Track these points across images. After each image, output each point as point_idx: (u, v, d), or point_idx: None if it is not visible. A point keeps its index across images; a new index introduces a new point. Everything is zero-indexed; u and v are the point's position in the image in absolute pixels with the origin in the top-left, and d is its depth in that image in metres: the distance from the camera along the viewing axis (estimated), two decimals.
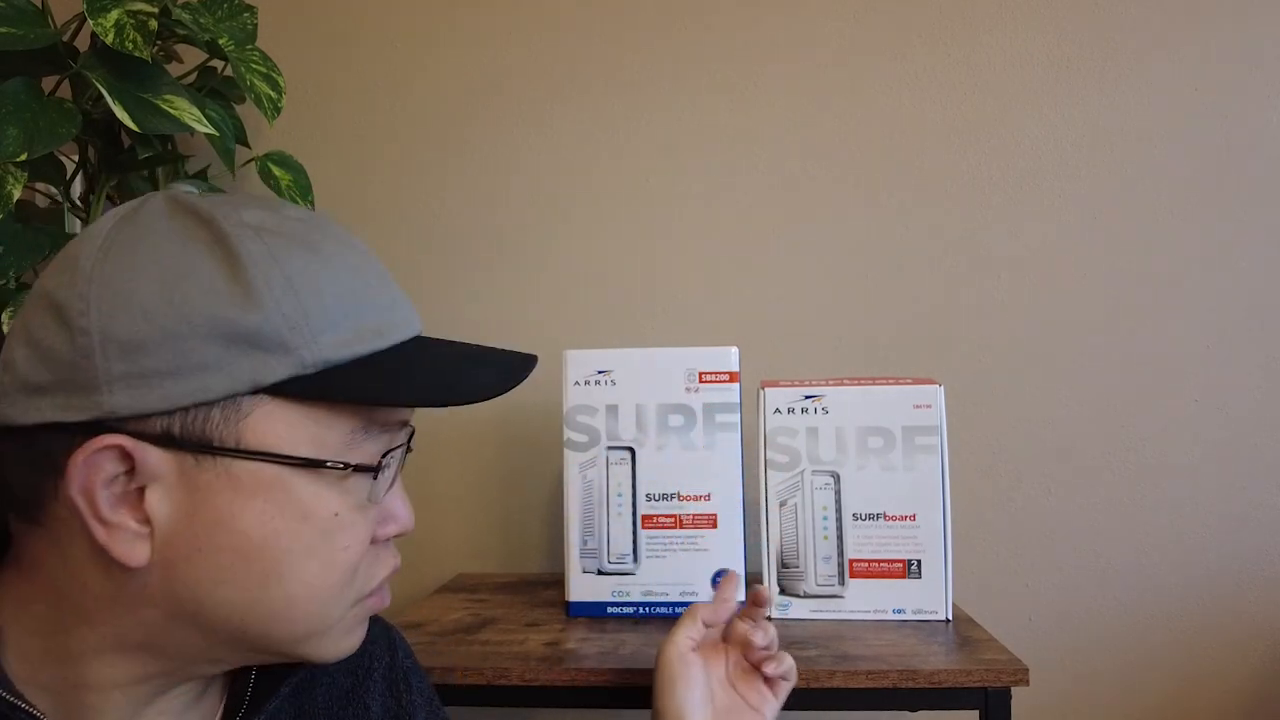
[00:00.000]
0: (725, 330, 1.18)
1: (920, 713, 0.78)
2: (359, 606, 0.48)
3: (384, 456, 0.46)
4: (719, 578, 0.90)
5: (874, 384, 0.91)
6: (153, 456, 0.40)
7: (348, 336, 0.43)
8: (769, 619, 0.89)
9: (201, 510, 0.41)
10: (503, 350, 0.51)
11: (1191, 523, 1.13)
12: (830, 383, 0.91)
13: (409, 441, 0.50)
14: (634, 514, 0.91)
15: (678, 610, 0.72)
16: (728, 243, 1.19)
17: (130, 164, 0.99)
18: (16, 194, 0.84)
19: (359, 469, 0.44)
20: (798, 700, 0.75)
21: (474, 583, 1.11)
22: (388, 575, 0.49)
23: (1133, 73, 1.14)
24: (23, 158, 0.81)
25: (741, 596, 0.89)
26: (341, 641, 0.48)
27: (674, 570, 0.91)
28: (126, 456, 0.40)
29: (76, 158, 1.01)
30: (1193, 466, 1.13)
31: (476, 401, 0.47)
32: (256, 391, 0.41)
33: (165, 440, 0.40)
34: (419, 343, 0.47)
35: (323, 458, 0.43)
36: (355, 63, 1.24)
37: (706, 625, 0.70)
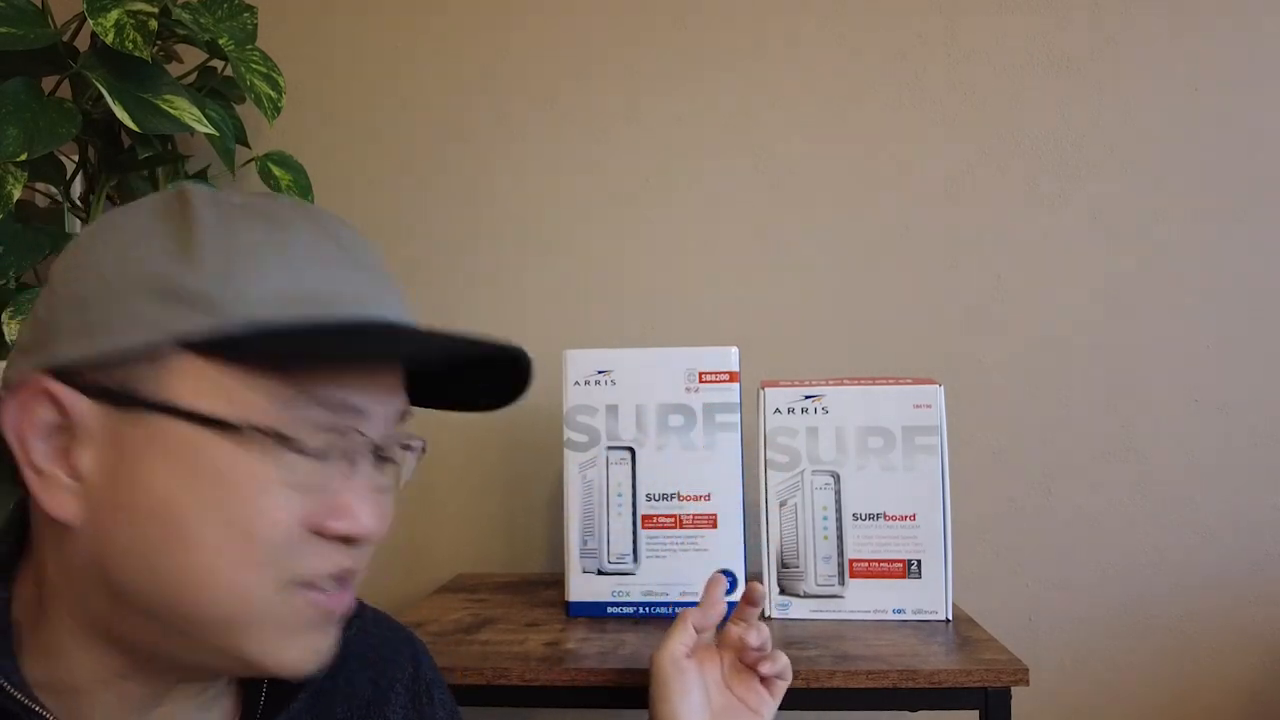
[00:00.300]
0: (725, 330, 1.18)
1: (920, 713, 0.78)
2: (295, 598, 0.43)
3: (315, 429, 0.43)
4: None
5: (874, 384, 0.91)
6: (81, 406, 0.40)
7: (280, 299, 0.41)
8: (765, 618, 0.89)
9: (122, 466, 0.41)
10: (473, 338, 0.47)
11: (1191, 523, 1.13)
12: (830, 383, 0.91)
13: (389, 443, 0.47)
14: (634, 514, 0.91)
15: (678, 610, 0.72)
16: (728, 243, 1.19)
17: (130, 164, 0.99)
18: (16, 194, 0.84)
19: (264, 432, 0.41)
20: (798, 700, 0.75)
21: (474, 583, 1.11)
22: (332, 572, 0.44)
23: (1133, 73, 1.14)
24: (23, 158, 0.81)
25: (735, 597, 0.90)
26: (282, 643, 0.43)
27: (674, 570, 0.91)
28: (59, 406, 0.40)
29: (76, 158, 1.01)
30: (1192, 466, 1.13)
31: (373, 357, 0.44)
32: (181, 347, 0.40)
33: (94, 391, 0.40)
34: (374, 324, 0.45)
35: (247, 421, 0.41)
36: (355, 63, 1.24)
37: (698, 630, 0.70)
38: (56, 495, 0.41)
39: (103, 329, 0.40)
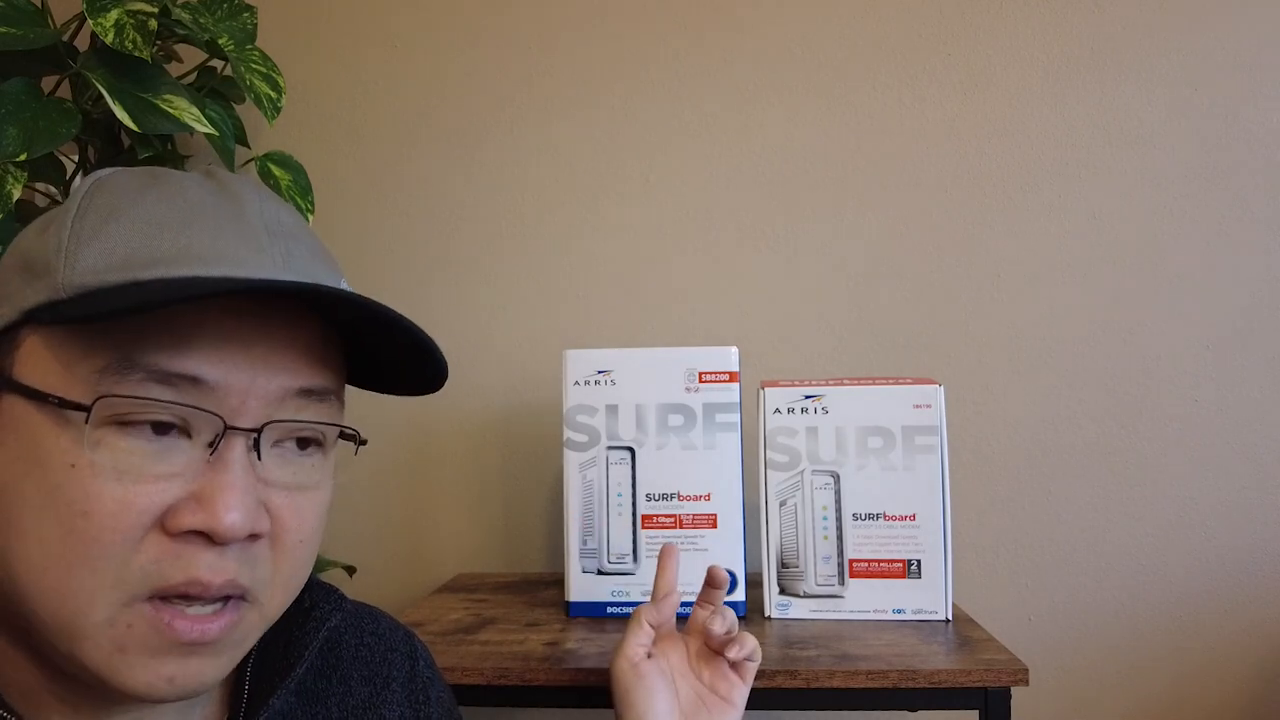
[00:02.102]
0: (725, 330, 1.18)
1: (920, 713, 0.78)
2: (136, 614, 0.38)
3: (124, 400, 0.37)
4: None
5: (874, 384, 0.91)
6: None
7: (113, 263, 0.38)
8: (765, 618, 0.89)
9: None
10: (306, 285, 0.40)
11: (1191, 522, 1.13)
12: (830, 383, 0.91)
13: (265, 427, 0.40)
14: (634, 514, 0.91)
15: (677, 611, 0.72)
16: (728, 242, 1.19)
17: (130, 164, 0.99)
18: (16, 194, 0.84)
19: (66, 404, 0.37)
20: (798, 700, 0.75)
21: (474, 583, 1.11)
22: (181, 580, 0.38)
23: (1133, 73, 1.14)
24: (23, 157, 0.81)
25: (735, 596, 0.90)
26: (117, 660, 0.37)
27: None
28: None
29: (76, 158, 1.01)
30: (1192, 466, 1.13)
31: (133, 308, 0.36)
32: (26, 320, 0.38)
33: None
34: (214, 281, 0.38)
35: (55, 393, 0.37)
36: (355, 63, 1.24)
37: (653, 626, 0.67)
38: None
39: None
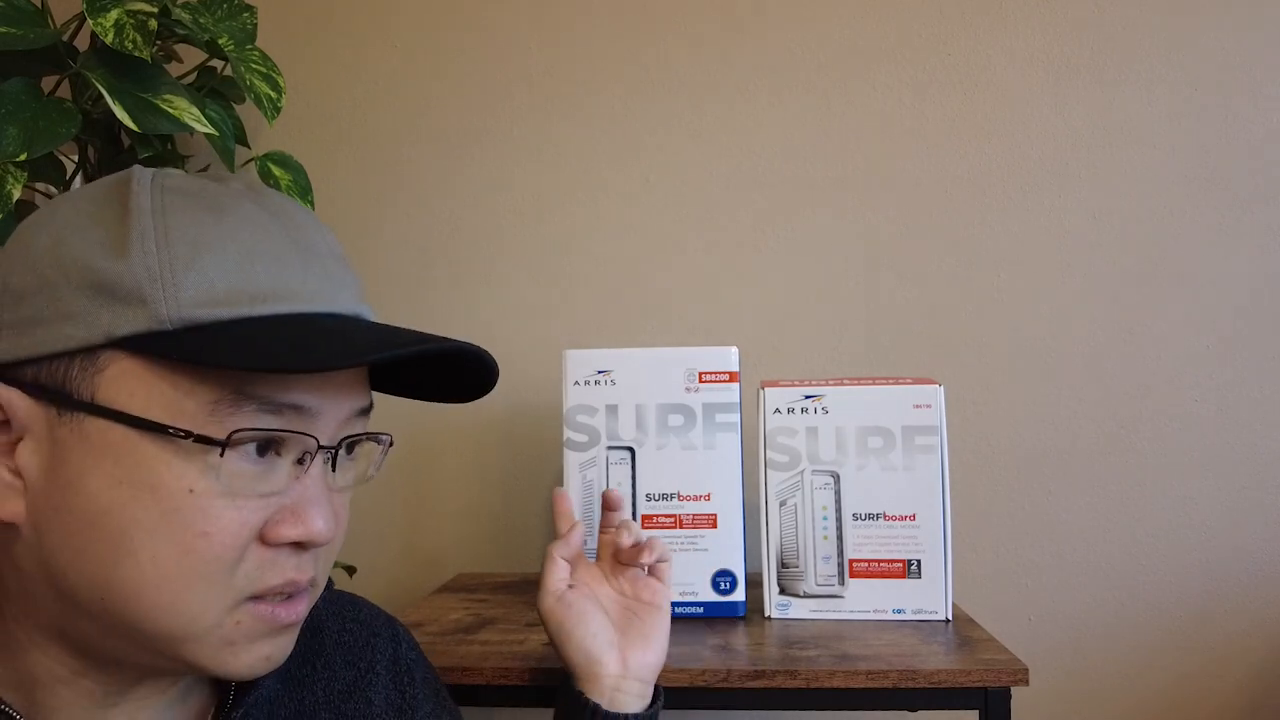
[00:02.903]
0: (725, 330, 1.18)
1: (920, 713, 0.78)
2: (243, 613, 0.42)
3: (251, 433, 0.40)
4: (720, 578, 0.90)
5: (874, 384, 0.91)
6: (21, 405, 0.39)
7: (217, 297, 0.39)
8: (765, 618, 0.89)
9: (60, 468, 0.39)
10: (427, 335, 0.44)
11: (1191, 523, 1.13)
12: (830, 383, 0.91)
13: (341, 443, 0.45)
14: (634, 514, 0.91)
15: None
16: (727, 242, 1.19)
17: (130, 164, 0.99)
18: (16, 194, 0.84)
19: (201, 439, 0.39)
20: (798, 700, 0.75)
21: (474, 583, 1.11)
22: (282, 583, 0.42)
23: (1133, 73, 1.14)
24: (23, 158, 0.81)
25: (735, 596, 0.90)
26: (231, 654, 0.42)
27: (673, 570, 0.91)
28: None
29: (76, 158, 1.01)
30: (1193, 466, 1.13)
31: (308, 370, 0.40)
32: (113, 345, 0.39)
33: (34, 389, 0.39)
34: (316, 317, 0.42)
35: (176, 425, 0.39)
36: (355, 63, 1.24)
37: (566, 560, 0.71)
38: (0, 493, 0.40)
39: (38, 325, 0.39)
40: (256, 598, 0.42)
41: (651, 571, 0.72)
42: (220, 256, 0.40)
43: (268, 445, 0.41)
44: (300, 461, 0.43)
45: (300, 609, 0.44)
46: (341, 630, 0.57)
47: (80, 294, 0.39)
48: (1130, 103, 1.14)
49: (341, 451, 0.45)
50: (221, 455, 0.39)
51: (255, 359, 0.38)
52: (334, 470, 0.45)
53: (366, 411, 0.47)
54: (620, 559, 0.72)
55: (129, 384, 0.39)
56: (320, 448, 0.43)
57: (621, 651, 0.67)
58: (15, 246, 0.42)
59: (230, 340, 0.39)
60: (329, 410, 0.43)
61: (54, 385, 0.39)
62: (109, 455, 0.39)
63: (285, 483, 0.42)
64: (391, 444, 0.50)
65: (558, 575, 0.69)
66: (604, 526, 0.74)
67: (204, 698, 0.50)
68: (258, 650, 0.43)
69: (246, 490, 0.41)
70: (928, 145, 1.17)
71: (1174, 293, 1.14)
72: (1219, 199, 1.13)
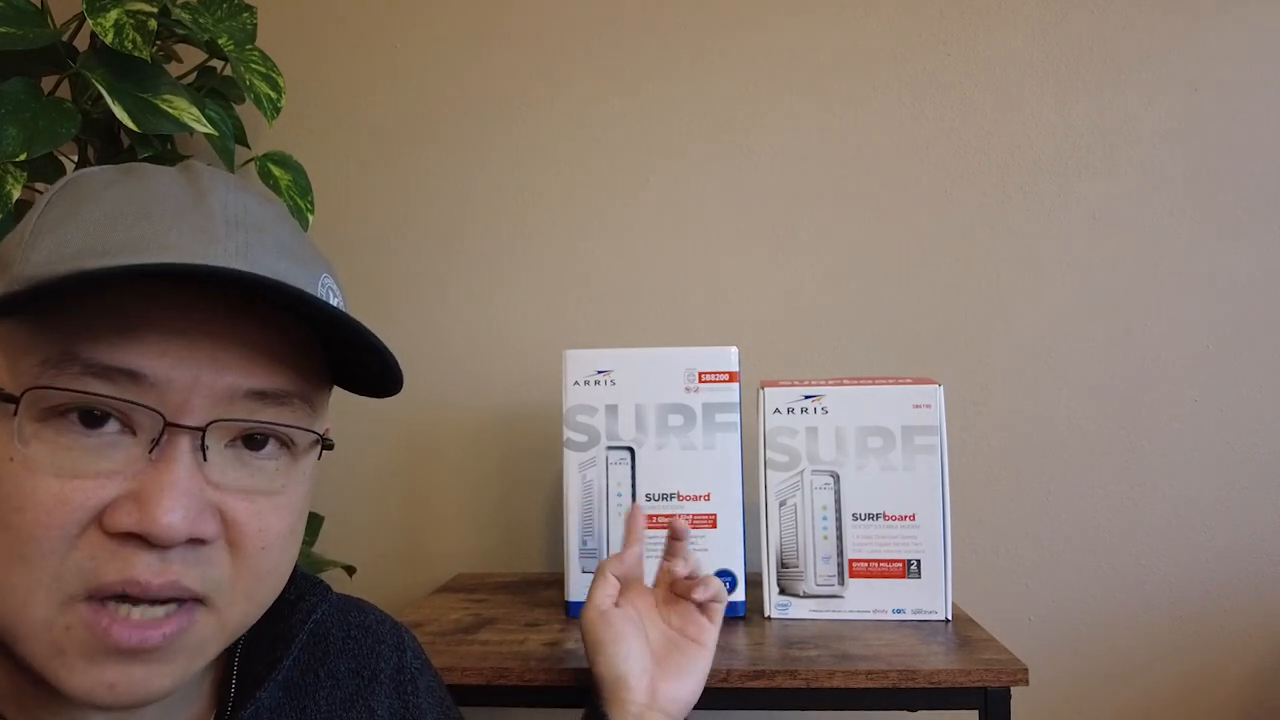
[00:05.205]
0: (725, 330, 1.18)
1: (920, 713, 0.78)
2: (74, 616, 0.36)
3: (59, 393, 0.36)
4: (720, 578, 0.90)
5: (874, 384, 0.91)
6: None
7: (65, 255, 0.37)
8: (765, 618, 0.89)
9: None
10: (249, 274, 0.37)
11: (1191, 523, 1.13)
12: (830, 383, 0.91)
13: (209, 426, 0.38)
14: None
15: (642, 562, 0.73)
16: (727, 242, 1.19)
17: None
18: (16, 194, 0.83)
19: (5, 398, 0.36)
20: (798, 700, 0.75)
21: (474, 583, 1.11)
22: (116, 580, 0.36)
23: (1133, 73, 1.14)
24: (22, 157, 0.81)
25: (736, 596, 0.90)
26: (56, 664, 0.36)
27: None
28: None
29: (76, 158, 1.01)
30: (1193, 466, 1.13)
31: (74, 284, 0.35)
32: None
33: None
34: (168, 267, 0.36)
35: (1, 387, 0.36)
36: (355, 63, 1.24)
37: (617, 577, 0.70)
38: None
39: None
40: (96, 600, 0.37)
41: (704, 610, 0.70)
42: (86, 218, 0.38)
43: (105, 417, 0.37)
44: (155, 441, 0.37)
45: (154, 634, 0.37)
46: (346, 637, 0.56)
47: None
48: (1130, 103, 1.14)
49: (238, 443, 0.40)
50: (15, 415, 0.36)
51: (52, 293, 0.34)
52: (205, 458, 0.38)
53: (268, 396, 0.40)
54: (675, 590, 0.71)
55: None
56: (174, 425, 0.37)
57: (653, 681, 0.66)
58: None
59: (61, 294, 0.35)
60: (185, 383, 0.38)
61: None
62: None
63: (132, 464, 0.37)
64: (324, 444, 0.44)
65: (605, 591, 0.68)
66: (667, 555, 0.73)
67: (201, 707, 0.48)
68: (96, 673, 0.36)
69: (76, 467, 0.36)
70: (928, 145, 1.17)
71: (1174, 293, 1.14)
72: (1219, 199, 1.13)
